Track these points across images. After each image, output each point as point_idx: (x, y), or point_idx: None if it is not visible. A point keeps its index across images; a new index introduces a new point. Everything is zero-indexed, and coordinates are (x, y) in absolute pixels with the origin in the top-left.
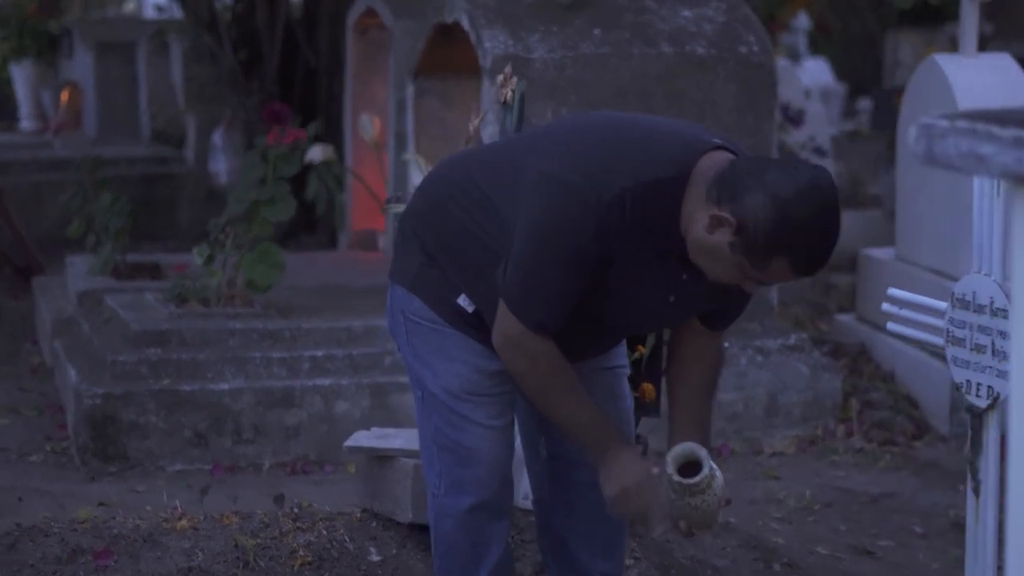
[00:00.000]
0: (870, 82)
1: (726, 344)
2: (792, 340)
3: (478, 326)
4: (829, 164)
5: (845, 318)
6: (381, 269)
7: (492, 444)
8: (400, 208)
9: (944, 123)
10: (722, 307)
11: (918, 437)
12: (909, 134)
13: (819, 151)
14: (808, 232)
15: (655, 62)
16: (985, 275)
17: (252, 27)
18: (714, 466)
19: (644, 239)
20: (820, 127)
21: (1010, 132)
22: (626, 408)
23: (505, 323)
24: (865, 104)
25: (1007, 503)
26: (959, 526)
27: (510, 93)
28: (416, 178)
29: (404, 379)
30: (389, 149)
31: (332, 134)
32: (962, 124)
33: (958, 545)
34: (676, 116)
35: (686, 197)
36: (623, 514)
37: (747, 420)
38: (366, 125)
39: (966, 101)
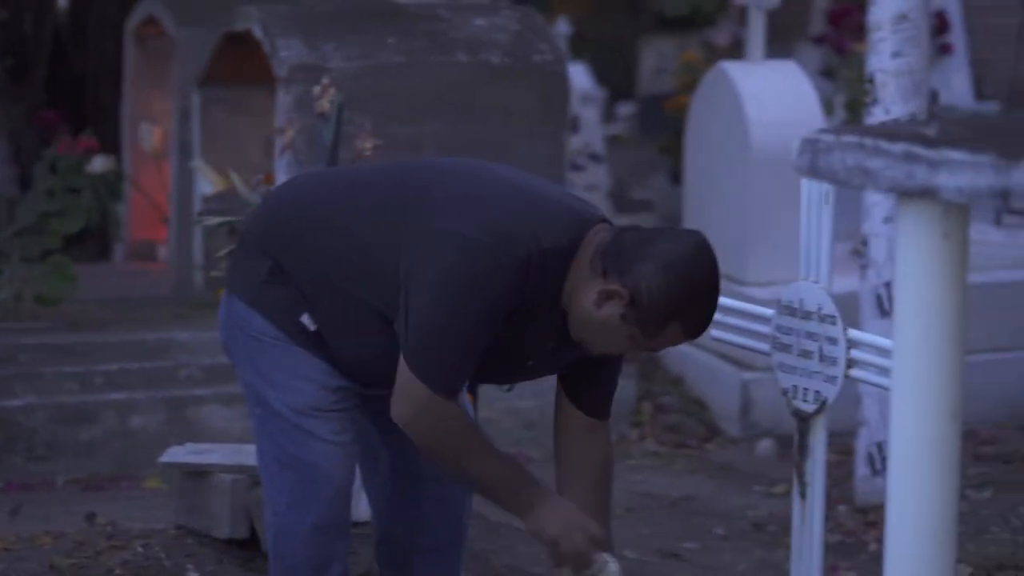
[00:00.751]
0: (625, 87)
1: None
2: None
3: (321, 344)
4: (605, 170)
5: None
6: (165, 280)
7: (336, 460)
8: (212, 221)
9: (830, 137)
10: (596, 386)
11: (709, 440)
12: (792, 147)
13: (595, 157)
14: (700, 295)
15: (452, 71)
16: (813, 282)
17: (19, 33)
18: (610, 560)
19: (532, 306)
20: (593, 133)
21: (900, 147)
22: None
23: (410, 391)
24: (624, 109)
25: (888, 507)
26: (759, 527)
27: (327, 104)
28: (203, 187)
29: (200, 392)
30: (172, 159)
31: (104, 143)
32: (849, 138)
33: (760, 545)
34: (475, 125)
35: (571, 269)
36: (564, 560)
37: (544, 427)
38: (146, 135)
39: (753, 108)
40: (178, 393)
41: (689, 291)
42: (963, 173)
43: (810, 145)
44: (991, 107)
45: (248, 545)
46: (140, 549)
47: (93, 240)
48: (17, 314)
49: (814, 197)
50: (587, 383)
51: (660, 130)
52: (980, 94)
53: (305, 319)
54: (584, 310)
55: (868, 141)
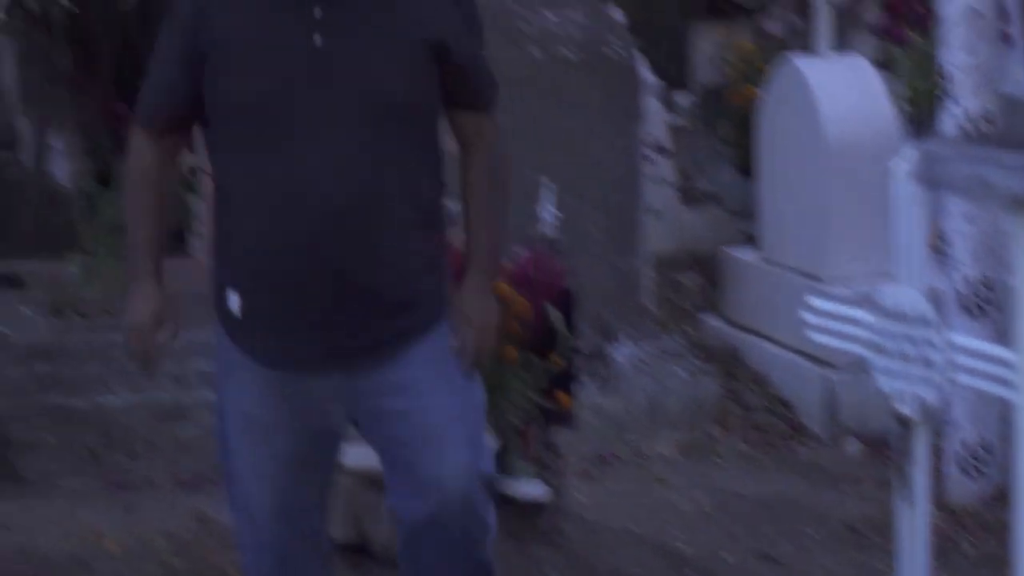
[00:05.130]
0: (676, 76)
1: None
2: (669, 344)
3: (252, 333)
4: (671, 162)
5: (712, 320)
6: None
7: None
8: None
9: (947, 149)
10: (456, 76)
11: (794, 439)
12: (911, 157)
13: (661, 149)
14: None
15: (523, 64)
16: (910, 286)
17: (87, 25)
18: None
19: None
20: (657, 124)
21: (1019, 159)
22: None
23: None
24: (682, 100)
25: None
26: (853, 529)
27: None
28: None
29: None
30: None
31: None
32: (967, 150)
33: (855, 548)
34: (549, 116)
35: None
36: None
37: (629, 425)
38: None
39: (826, 103)
40: None
41: None
42: None
43: (927, 155)
44: None
45: (359, 550)
46: None
47: (169, 234)
48: (109, 311)
49: (907, 197)
50: (459, 91)
51: (718, 121)
52: None
53: (231, 299)
54: None
55: (986, 153)
